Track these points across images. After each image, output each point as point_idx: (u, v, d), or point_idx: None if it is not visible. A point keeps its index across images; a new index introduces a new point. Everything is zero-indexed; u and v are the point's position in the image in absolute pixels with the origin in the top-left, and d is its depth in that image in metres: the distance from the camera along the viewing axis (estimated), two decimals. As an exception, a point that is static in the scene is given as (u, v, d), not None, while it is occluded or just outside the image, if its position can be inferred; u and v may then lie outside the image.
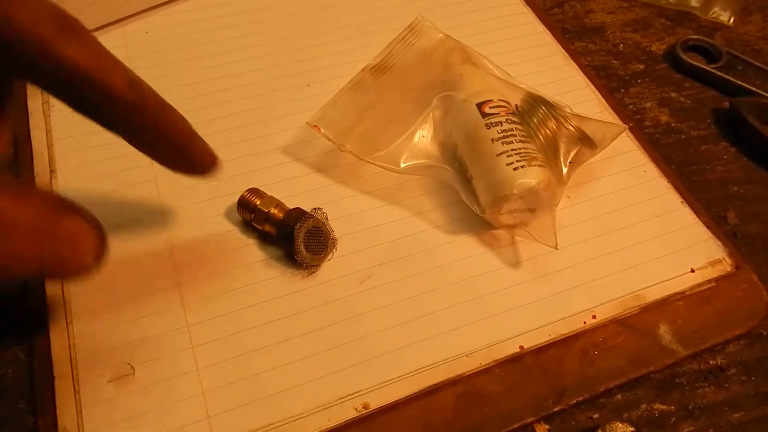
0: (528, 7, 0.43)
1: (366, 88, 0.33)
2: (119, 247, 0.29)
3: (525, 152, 0.29)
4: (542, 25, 0.42)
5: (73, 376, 0.25)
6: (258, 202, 0.29)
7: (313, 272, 0.29)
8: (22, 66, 0.20)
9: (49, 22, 0.19)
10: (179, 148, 0.24)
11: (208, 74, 0.36)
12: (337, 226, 0.30)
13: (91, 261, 0.21)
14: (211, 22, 0.39)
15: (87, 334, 0.27)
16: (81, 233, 0.20)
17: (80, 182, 0.31)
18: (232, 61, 0.37)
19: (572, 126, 0.31)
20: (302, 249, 0.28)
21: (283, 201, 0.30)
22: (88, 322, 0.27)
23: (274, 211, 0.29)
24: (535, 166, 0.29)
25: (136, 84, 0.21)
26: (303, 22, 0.40)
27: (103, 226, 0.21)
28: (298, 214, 0.29)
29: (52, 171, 0.32)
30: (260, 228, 0.30)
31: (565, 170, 0.31)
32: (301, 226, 0.28)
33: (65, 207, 0.20)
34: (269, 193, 0.30)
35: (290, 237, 0.28)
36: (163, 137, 0.23)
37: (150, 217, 0.30)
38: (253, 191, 0.30)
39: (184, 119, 0.24)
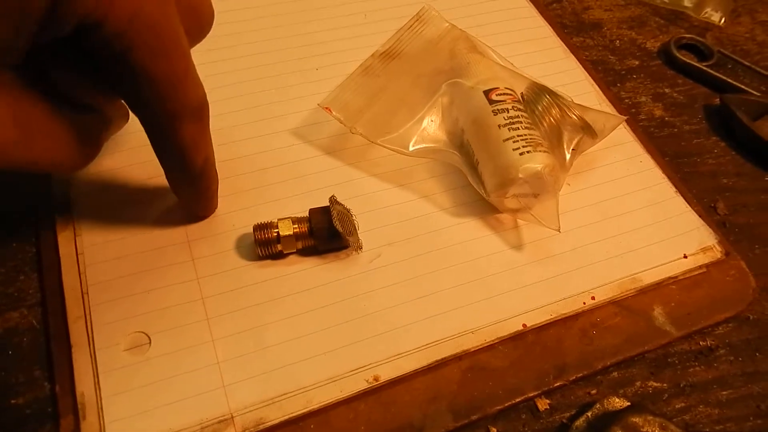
0: (529, 2, 0.44)
1: (376, 73, 0.34)
2: (135, 219, 0.30)
3: (530, 138, 0.30)
4: (543, 19, 0.43)
5: (89, 344, 0.26)
6: (275, 233, 0.28)
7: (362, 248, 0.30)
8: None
9: None
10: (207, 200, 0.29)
11: (221, 55, 0.37)
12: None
13: None
14: (225, 4, 0.40)
15: (103, 304, 0.27)
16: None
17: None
18: (244, 43, 0.38)
19: (575, 115, 0.33)
20: (348, 236, 0.29)
21: (288, 217, 0.29)
22: (104, 293, 0.27)
23: (297, 228, 0.29)
24: (540, 151, 0.30)
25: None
26: (312, 7, 0.41)
27: None
28: (323, 212, 0.29)
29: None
30: (293, 250, 0.29)
31: (568, 157, 0.32)
32: (335, 219, 0.28)
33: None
34: (267, 219, 0.29)
35: (336, 234, 0.28)
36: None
37: (165, 191, 0.30)
38: (260, 228, 0.29)
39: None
